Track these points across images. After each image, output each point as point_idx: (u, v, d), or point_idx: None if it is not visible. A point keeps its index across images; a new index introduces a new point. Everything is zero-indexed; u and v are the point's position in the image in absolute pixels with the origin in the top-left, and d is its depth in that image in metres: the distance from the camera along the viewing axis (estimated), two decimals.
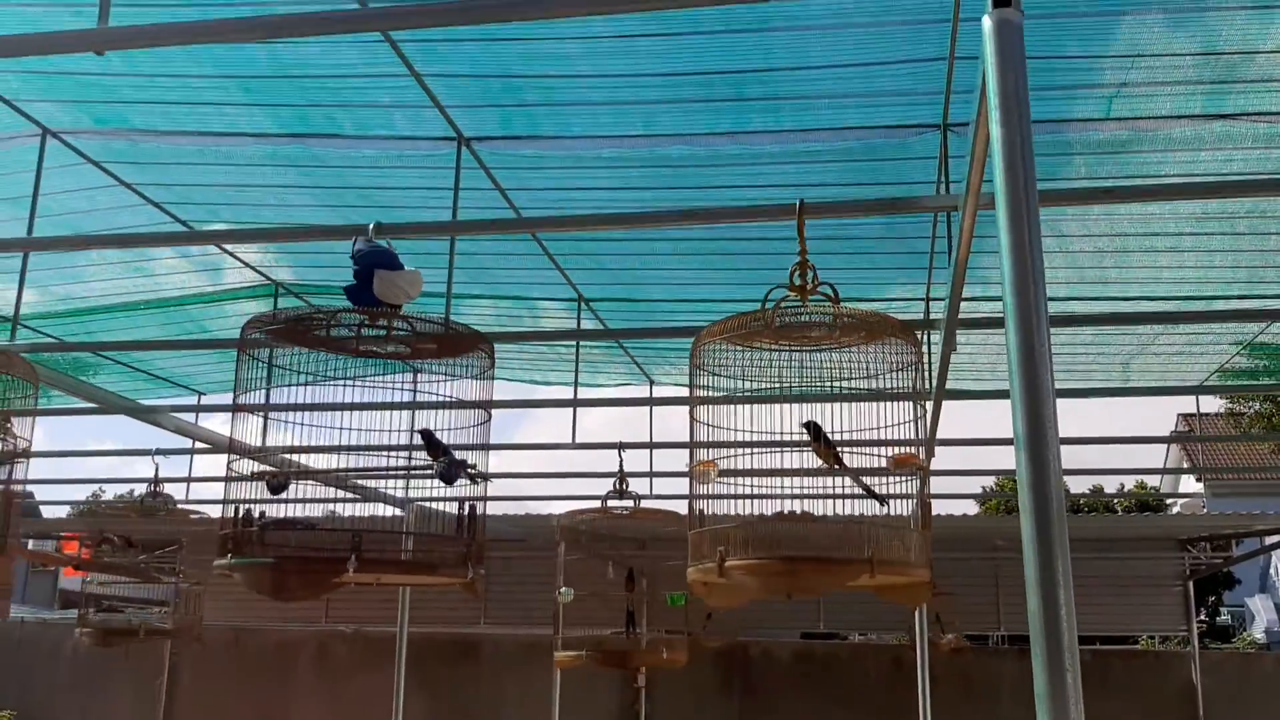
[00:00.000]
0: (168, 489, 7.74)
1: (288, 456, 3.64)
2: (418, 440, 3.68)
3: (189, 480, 9.38)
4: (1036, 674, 1.89)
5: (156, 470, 7.04)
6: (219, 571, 3.47)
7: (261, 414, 3.57)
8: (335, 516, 3.69)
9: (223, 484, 3.52)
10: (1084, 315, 5.92)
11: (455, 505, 3.64)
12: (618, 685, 12.74)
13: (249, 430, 3.52)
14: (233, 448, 3.56)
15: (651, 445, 8.00)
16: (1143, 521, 15.02)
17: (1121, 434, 7.78)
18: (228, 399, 9.83)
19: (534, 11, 3.17)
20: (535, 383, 8.66)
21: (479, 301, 7.17)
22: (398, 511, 3.76)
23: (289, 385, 3.63)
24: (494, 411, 3.79)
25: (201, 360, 8.49)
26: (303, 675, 13.55)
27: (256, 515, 3.50)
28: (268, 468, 3.55)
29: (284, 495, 3.63)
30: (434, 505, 3.78)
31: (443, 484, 3.61)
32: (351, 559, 3.25)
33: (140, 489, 7.26)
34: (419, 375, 3.78)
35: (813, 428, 3.38)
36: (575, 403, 7.23)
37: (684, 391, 8.92)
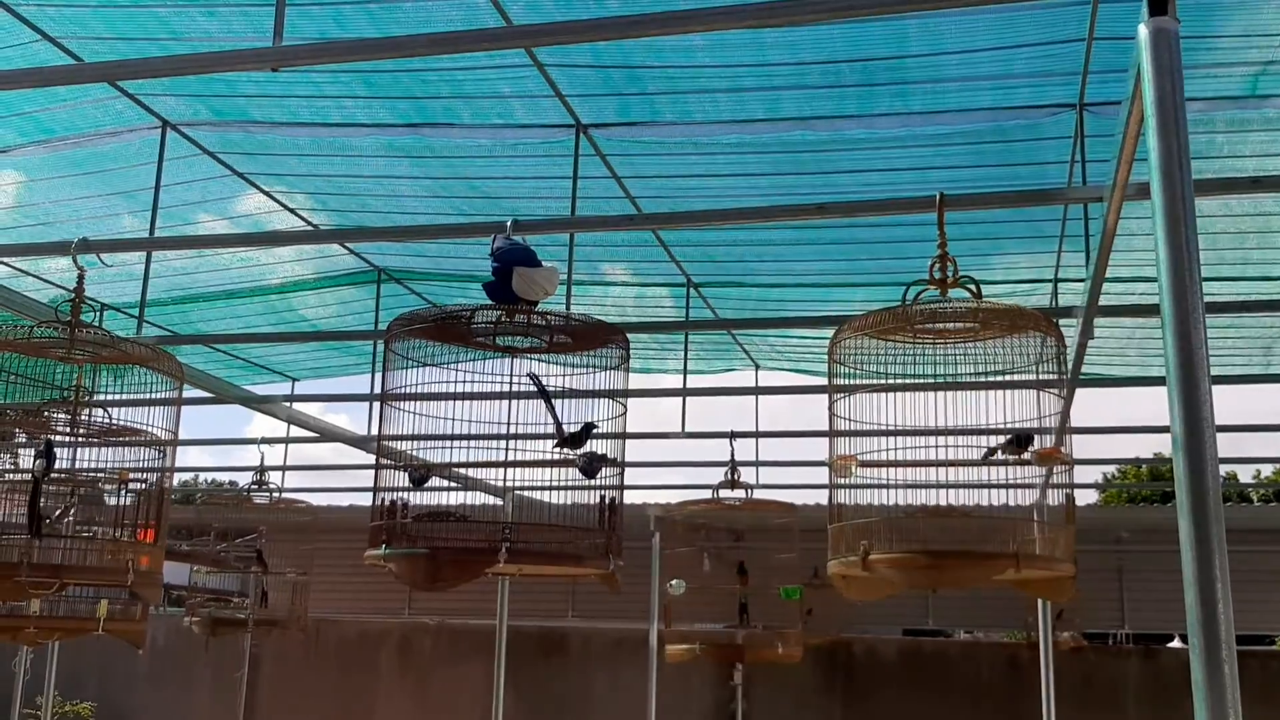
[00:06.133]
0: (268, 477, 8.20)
1: (428, 449, 4.03)
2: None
3: (284, 468, 9.86)
4: (1194, 667, 2.17)
5: (262, 459, 7.55)
6: (370, 561, 3.86)
7: (406, 408, 3.95)
8: (483, 508, 4.03)
9: (365, 475, 3.88)
10: (1227, 303, 6.04)
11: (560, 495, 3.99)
12: (713, 683, 12.96)
13: (396, 424, 3.90)
14: (381, 441, 3.95)
15: (758, 434, 8.28)
16: None
17: (1258, 418, 7.84)
18: (321, 386, 10.28)
19: (665, 28, 3.47)
20: (641, 371, 8.98)
21: (588, 287, 7.51)
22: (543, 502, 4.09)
23: (433, 382, 3.98)
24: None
25: (296, 347, 8.97)
26: (386, 667, 14.03)
27: (401, 506, 3.89)
28: (414, 460, 3.93)
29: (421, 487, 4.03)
30: (539, 495, 4.12)
31: (583, 476, 3.95)
32: (502, 550, 3.61)
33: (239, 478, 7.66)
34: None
35: (1019, 439, 3.60)
36: (685, 392, 7.56)
37: (791, 379, 9.19)
